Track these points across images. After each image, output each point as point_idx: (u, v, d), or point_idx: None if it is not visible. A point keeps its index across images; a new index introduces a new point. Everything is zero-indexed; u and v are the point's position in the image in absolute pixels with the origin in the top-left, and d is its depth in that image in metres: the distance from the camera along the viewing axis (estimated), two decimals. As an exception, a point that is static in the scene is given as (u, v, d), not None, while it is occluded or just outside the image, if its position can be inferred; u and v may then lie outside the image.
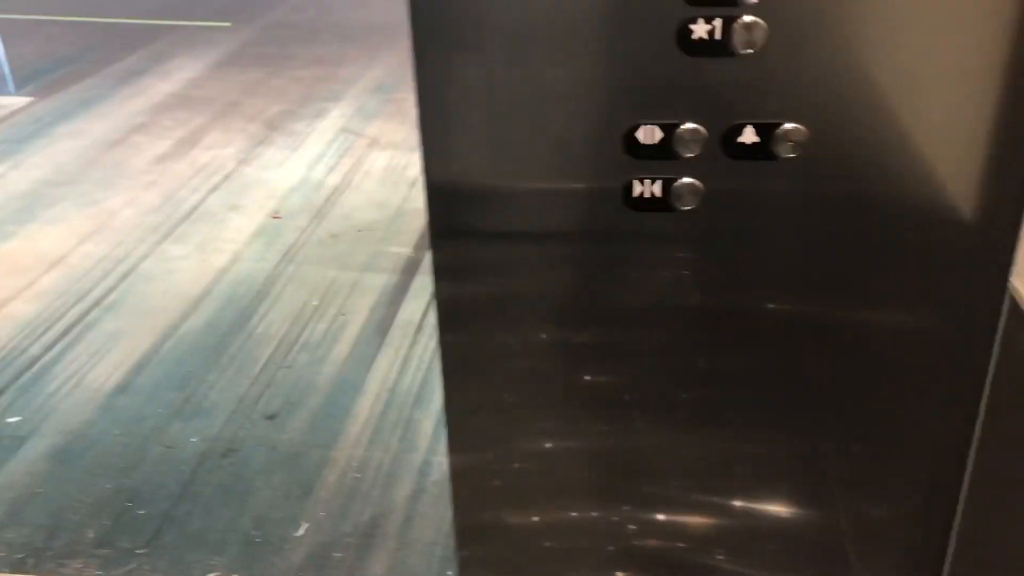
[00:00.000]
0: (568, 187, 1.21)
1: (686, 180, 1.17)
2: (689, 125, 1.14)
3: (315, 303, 3.30)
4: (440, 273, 1.26)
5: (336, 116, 5.11)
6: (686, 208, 1.19)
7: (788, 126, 1.12)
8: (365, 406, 2.73)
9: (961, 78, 1.08)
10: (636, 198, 1.19)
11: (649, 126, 1.15)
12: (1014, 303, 1.13)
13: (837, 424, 1.33)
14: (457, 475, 1.39)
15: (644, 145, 1.16)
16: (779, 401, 1.31)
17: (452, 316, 1.28)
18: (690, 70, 1.11)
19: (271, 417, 2.68)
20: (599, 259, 1.26)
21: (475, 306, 1.28)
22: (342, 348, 3.02)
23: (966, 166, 1.12)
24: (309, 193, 4.18)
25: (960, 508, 1.32)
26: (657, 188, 1.19)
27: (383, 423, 2.65)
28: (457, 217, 1.23)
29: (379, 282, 3.40)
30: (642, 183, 1.19)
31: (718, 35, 1.08)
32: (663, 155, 1.16)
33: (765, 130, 1.13)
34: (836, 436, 1.34)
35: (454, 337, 1.30)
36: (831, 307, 1.24)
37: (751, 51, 1.08)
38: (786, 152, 1.13)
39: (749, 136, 1.14)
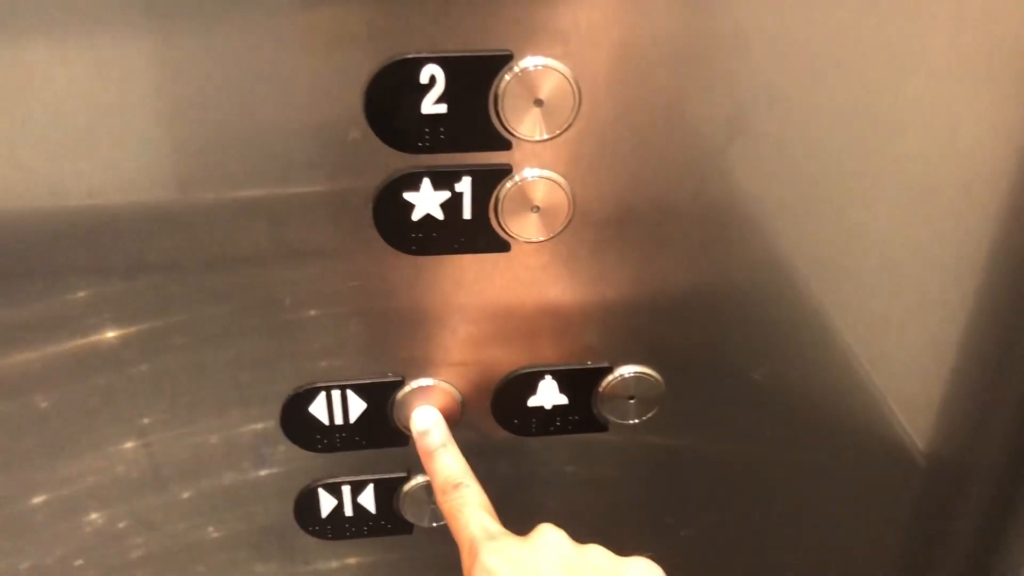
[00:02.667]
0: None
1: (426, 480, 0.57)
2: (423, 382, 0.53)
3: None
4: None
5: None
6: (433, 525, 0.58)
7: (626, 373, 0.54)
8: None
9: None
10: (326, 520, 0.57)
11: (337, 391, 0.53)
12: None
13: None
14: None
15: (329, 427, 0.54)
16: None
17: None
18: (414, 278, 0.50)
19: None
20: None
21: None
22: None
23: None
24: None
25: None
26: (368, 498, 0.57)
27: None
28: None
29: None
30: (335, 493, 0.57)
31: (468, 210, 0.47)
32: (372, 440, 0.55)
33: (579, 382, 0.54)
34: None
35: None
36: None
37: (542, 239, 0.48)
38: (624, 416, 0.55)
39: (549, 394, 0.54)
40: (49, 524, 0.58)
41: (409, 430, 0.54)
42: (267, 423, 0.55)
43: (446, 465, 0.51)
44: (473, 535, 0.46)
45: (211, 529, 0.61)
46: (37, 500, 0.57)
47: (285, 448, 0.57)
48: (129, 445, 0.56)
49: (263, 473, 0.58)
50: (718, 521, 0.63)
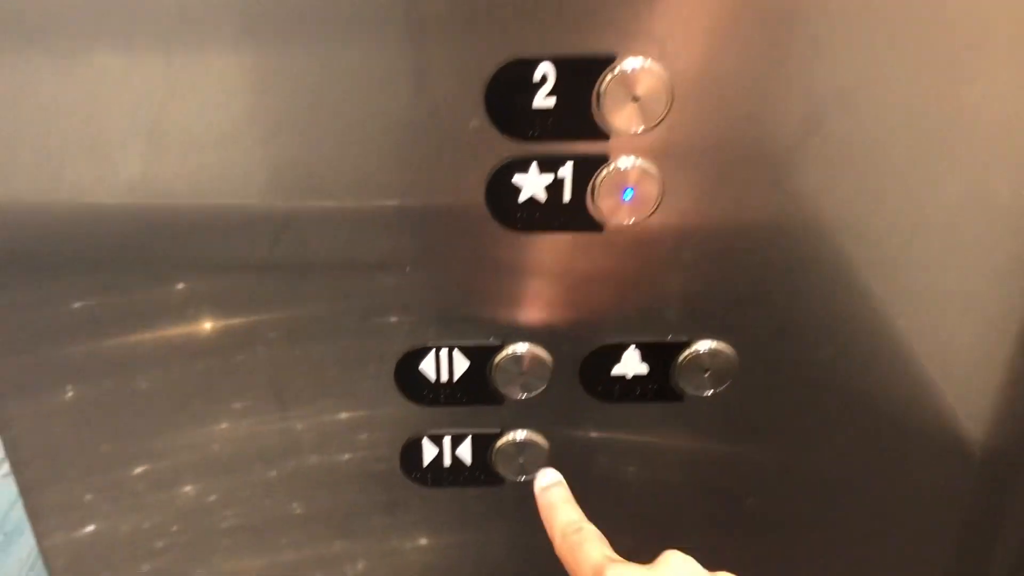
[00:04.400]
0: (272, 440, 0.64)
1: (518, 436, 0.63)
2: (520, 348, 0.60)
3: None
4: None
5: None
6: (520, 479, 0.65)
7: (703, 347, 0.60)
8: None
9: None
10: (428, 468, 0.64)
11: (445, 350, 0.60)
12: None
13: None
14: None
15: (435, 384, 0.61)
16: None
17: None
18: (518, 252, 0.57)
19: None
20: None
21: None
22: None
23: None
24: None
25: None
26: (465, 451, 0.64)
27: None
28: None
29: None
30: (437, 443, 0.64)
31: (568, 193, 0.54)
32: (472, 397, 0.61)
33: (660, 354, 0.60)
34: None
35: None
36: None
37: (632, 222, 0.55)
38: (700, 388, 0.61)
39: (631, 364, 0.60)
40: (148, 492, 0.64)
41: (504, 394, 0.61)
42: (354, 412, 0.62)
43: (566, 513, 0.55)
44: (597, 561, 0.48)
45: (295, 506, 0.67)
46: (138, 470, 0.64)
47: (367, 435, 0.65)
48: (223, 426, 0.63)
49: (345, 457, 0.65)
50: (779, 495, 0.68)
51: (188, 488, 0.65)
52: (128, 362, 0.59)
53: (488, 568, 0.71)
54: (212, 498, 0.66)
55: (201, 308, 0.57)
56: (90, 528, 0.66)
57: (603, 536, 0.52)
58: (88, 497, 0.65)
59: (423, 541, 0.70)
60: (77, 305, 0.56)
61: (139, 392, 0.60)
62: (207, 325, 0.58)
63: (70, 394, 0.60)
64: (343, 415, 0.63)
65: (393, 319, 0.59)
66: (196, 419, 0.62)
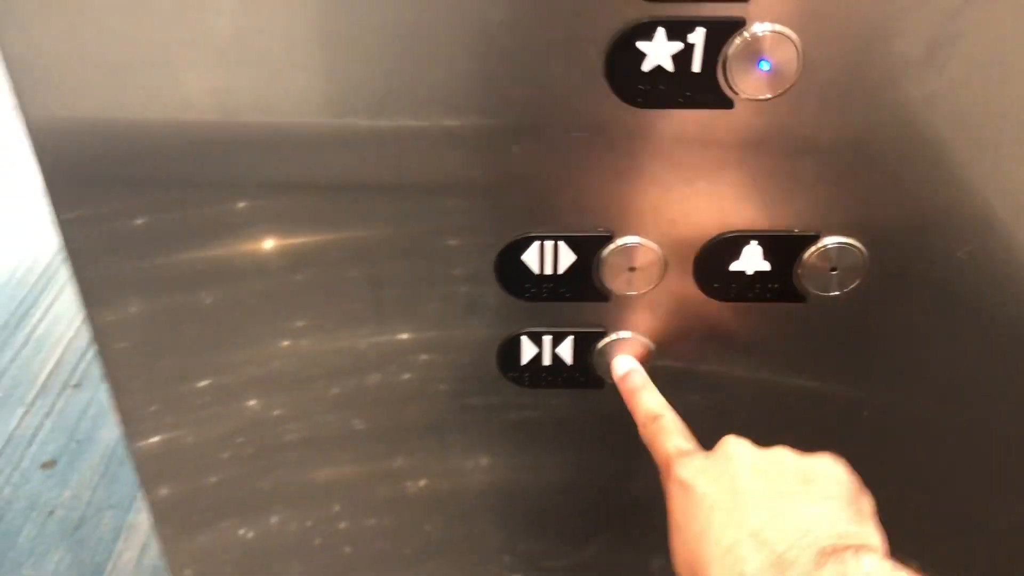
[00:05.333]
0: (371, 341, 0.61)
1: (622, 336, 0.59)
2: (630, 239, 0.55)
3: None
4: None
5: None
6: (622, 383, 0.61)
7: (831, 243, 0.55)
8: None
9: None
10: (526, 367, 0.61)
11: (550, 241, 0.55)
12: None
13: None
14: None
15: (538, 276, 0.57)
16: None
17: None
18: (635, 131, 0.52)
19: (48, 465, 2.03)
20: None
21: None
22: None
23: None
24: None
25: None
26: (565, 350, 0.60)
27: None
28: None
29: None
30: (536, 342, 0.60)
31: (698, 62, 0.48)
32: (576, 292, 0.57)
33: (784, 249, 0.55)
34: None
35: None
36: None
37: (767, 97, 0.49)
38: (826, 288, 0.56)
39: (752, 259, 0.56)
40: (212, 405, 0.63)
41: (610, 290, 0.57)
42: (413, 334, 0.60)
43: (646, 400, 0.56)
44: (668, 454, 0.51)
45: (357, 422, 0.65)
46: (202, 384, 0.63)
47: (427, 357, 0.61)
48: (284, 343, 0.61)
49: (406, 376, 0.62)
50: (901, 408, 0.63)
51: (252, 402, 0.64)
52: (190, 278, 0.57)
53: (551, 487, 0.69)
54: (276, 412, 0.65)
55: (262, 227, 0.55)
56: (155, 439, 0.65)
57: (679, 423, 0.54)
58: (152, 408, 0.64)
59: (484, 461, 0.67)
60: (139, 221, 0.55)
61: (202, 307, 0.59)
62: (269, 244, 0.56)
63: (133, 308, 0.59)
64: (406, 335, 0.60)
65: (490, 209, 0.55)
66: (258, 336, 0.60)
